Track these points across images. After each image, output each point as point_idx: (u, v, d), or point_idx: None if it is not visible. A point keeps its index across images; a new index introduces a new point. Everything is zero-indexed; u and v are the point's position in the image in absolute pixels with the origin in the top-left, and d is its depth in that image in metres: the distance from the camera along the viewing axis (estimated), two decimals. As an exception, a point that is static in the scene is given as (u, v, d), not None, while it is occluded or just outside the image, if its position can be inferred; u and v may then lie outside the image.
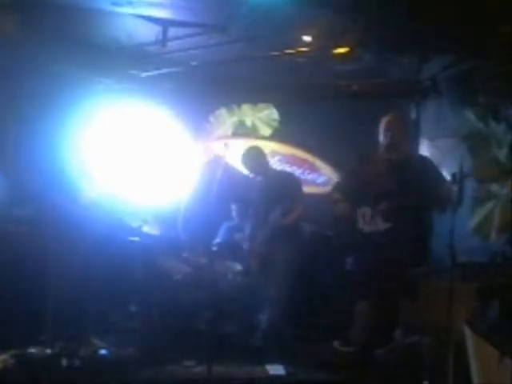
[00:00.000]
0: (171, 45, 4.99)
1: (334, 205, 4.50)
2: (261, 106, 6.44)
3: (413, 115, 5.97)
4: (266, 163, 4.98)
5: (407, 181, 4.21)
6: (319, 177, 6.46)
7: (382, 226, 4.26)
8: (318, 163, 6.46)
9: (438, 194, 4.07)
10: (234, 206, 5.67)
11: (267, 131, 6.41)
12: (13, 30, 4.61)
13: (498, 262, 4.31)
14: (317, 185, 6.44)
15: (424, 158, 4.76)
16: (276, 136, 6.32)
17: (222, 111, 6.48)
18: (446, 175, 4.19)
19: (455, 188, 3.70)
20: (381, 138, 4.42)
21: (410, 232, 4.15)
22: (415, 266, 4.07)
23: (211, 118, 6.46)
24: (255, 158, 4.92)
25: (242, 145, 5.10)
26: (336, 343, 4.99)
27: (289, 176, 5.11)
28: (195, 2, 4.38)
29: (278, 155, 6.38)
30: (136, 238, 5.30)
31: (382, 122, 4.43)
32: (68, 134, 4.88)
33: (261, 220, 4.74)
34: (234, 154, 5.63)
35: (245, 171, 5.12)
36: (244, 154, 4.97)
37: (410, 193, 4.14)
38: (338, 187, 4.65)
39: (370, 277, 4.25)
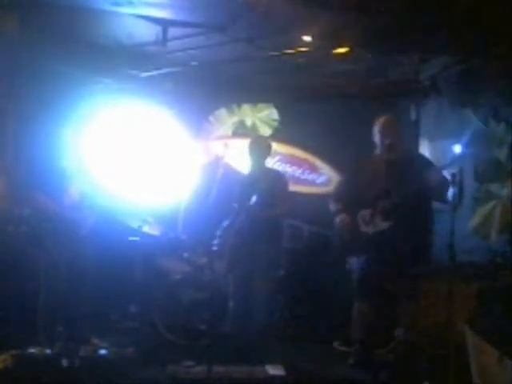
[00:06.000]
0: (171, 45, 4.99)
1: (335, 217, 4.48)
2: (261, 106, 6.44)
3: (413, 115, 5.98)
4: (267, 157, 4.97)
5: (404, 179, 4.20)
6: (319, 177, 6.45)
7: (381, 225, 4.25)
8: (318, 163, 6.46)
9: (428, 179, 4.06)
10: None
11: (267, 131, 6.41)
12: (13, 30, 4.61)
13: (498, 262, 4.31)
14: (317, 185, 6.44)
15: (418, 155, 4.81)
16: (276, 136, 6.32)
17: (222, 111, 6.48)
18: (446, 175, 4.18)
19: (446, 172, 3.71)
20: (376, 139, 4.42)
21: (411, 229, 4.14)
22: (416, 264, 4.07)
23: (211, 118, 6.47)
24: (263, 147, 4.91)
25: (242, 145, 5.09)
26: (336, 343, 5.00)
27: (277, 175, 5.08)
28: (195, 2, 4.38)
29: (278, 155, 6.37)
30: (136, 238, 5.31)
31: (377, 123, 4.43)
32: (68, 134, 4.87)
33: (241, 212, 4.71)
34: (233, 154, 5.64)
35: (244, 167, 5.09)
36: (253, 140, 4.97)
37: (408, 190, 4.14)
38: (336, 196, 4.60)
39: (371, 276, 4.25)
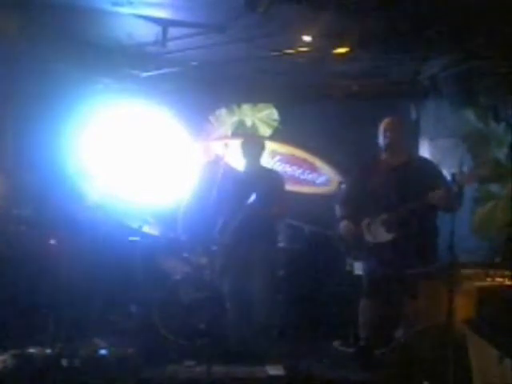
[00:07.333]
0: (171, 45, 5.00)
1: (339, 222, 4.46)
2: (261, 105, 6.44)
3: (413, 115, 5.98)
4: (260, 156, 4.96)
5: (409, 188, 4.16)
6: (319, 177, 6.46)
7: (384, 236, 4.23)
8: (318, 163, 6.46)
9: (431, 199, 4.01)
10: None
11: (267, 131, 6.41)
12: (13, 29, 4.61)
13: (498, 262, 4.31)
14: (317, 185, 6.44)
15: (425, 161, 4.65)
16: (276, 136, 6.32)
17: (222, 111, 6.48)
18: (446, 175, 4.18)
19: (454, 189, 3.66)
20: (380, 140, 4.40)
21: (415, 240, 4.12)
22: (419, 266, 4.07)
23: (211, 118, 6.47)
24: (255, 146, 4.92)
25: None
26: (336, 343, 5.00)
27: (273, 174, 5.07)
28: (195, 2, 4.38)
29: (278, 155, 6.38)
30: (136, 238, 5.31)
31: (382, 124, 4.42)
32: (68, 134, 4.88)
33: (236, 211, 4.68)
34: (233, 154, 5.63)
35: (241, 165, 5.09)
36: (246, 140, 4.98)
37: (412, 200, 4.09)
38: (342, 201, 4.56)
39: (378, 278, 4.24)
